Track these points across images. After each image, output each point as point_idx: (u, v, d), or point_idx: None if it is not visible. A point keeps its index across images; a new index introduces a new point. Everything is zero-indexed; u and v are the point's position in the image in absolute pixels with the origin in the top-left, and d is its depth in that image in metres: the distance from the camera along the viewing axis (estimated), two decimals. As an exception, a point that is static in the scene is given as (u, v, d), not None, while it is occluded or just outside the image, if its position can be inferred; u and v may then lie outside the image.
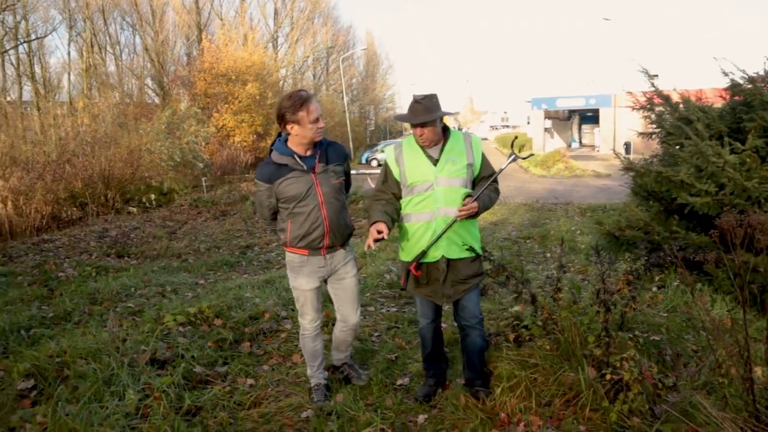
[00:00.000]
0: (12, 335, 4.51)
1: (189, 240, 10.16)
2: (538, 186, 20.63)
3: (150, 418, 2.97)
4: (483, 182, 3.02)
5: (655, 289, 4.97)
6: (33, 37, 29.92)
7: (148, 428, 2.87)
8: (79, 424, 2.77)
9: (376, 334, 4.44)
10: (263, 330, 4.49)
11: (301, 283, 3.17)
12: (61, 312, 5.21)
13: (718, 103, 6.05)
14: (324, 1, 43.33)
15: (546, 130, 37.86)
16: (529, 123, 43.53)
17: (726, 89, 5.92)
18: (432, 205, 2.96)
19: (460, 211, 2.89)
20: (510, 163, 3.14)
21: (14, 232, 11.83)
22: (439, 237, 2.93)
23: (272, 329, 4.53)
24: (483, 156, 3.08)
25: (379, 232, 2.86)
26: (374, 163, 33.45)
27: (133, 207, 15.74)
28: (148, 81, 35.15)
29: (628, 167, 5.70)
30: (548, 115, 37.98)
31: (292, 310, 4.97)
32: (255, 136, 27.77)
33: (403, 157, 3.03)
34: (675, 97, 6.31)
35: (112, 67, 35.20)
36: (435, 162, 2.97)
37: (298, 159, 3.00)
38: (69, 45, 35.02)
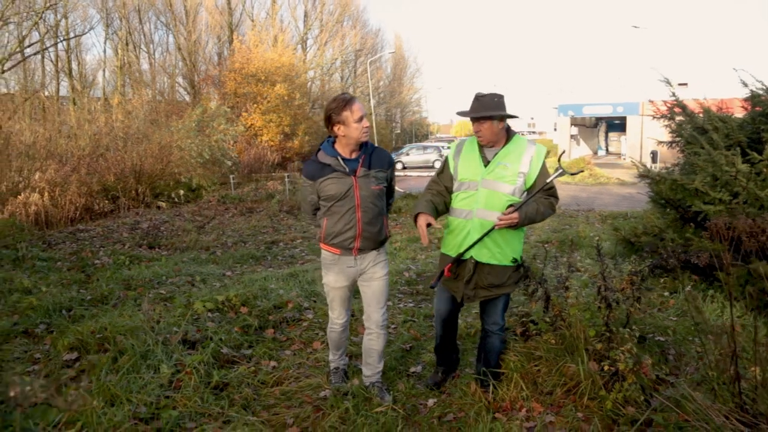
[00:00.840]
0: (54, 314, 4.86)
1: (217, 234, 10.51)
2: (561, 192, 20.24)
3: (182, 389, 3.26)
4: (538, 195, 2.99)
5: (666, 294, 5.10)
6: (72, 35, 30.96)
7: (180, 398, 3.15)
8: (120, 390, 3.06)
9: (393, 326, 4.66)
10: (286, 318, 4.75)
11: (330, 280, 3.27)
12: (98, 295, 5.55)
13: (742, 113, 6.13)
14: (353, 4, 43.84)
15: (572, 137, 37.60)
16: (555, 130, 43.30)
17: (746, 100, 6.02)
18: (473, 204, 2.98)
19: (499, 219, 2.89)
20: (556, 177, 3.05)
21: (49, 222, 12.30)
22: (478, 241, 2.94)
23: (295, 318, 4.78)
24: (542, 168, 3.00)
25: (428, 225, 2.93)
26: (399, 165, 33.61)
27: (162, 201, 16.18)
28: (180, 79, 36.02)
29: (644, 175, 5.83)
30: (575, 122, 37.73)
31: (314, 301, 5.23)
32: (282, 135, 28.24)
33: (462, 153, 3.09)
34: (695, 107, 6.41)
35: (145, 65, 36.22)
36: (486, 163, 2.99)
37: (341, 161, 3.09)
38: (105, 43, 36.15)
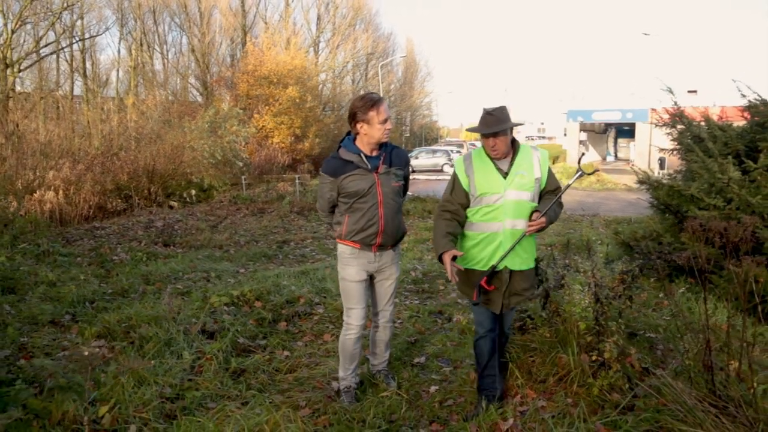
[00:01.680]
0: (78, 305, 5.15)
1: (229, 233, 10.81)
2: (568, 198, 20.60)
3: (203, 374, 3.55)
4: (547, 196, 3.08)
5: (661, 295, 5.32)
6: (87, 35, 31.50)
7: (201, 381, 3.44)
8: (147, 373, 3.34)
9: (399, 321, 4.92)
10: (298, 312, 5.02)
11: (350, 273, 3.28)
12: (118, 289, 5.85)
13: (742, 122, 6.34)
14: (366, 8, 44.16)
15: (581, 142, 37.68)
16: (565, 135, 43.40)
17: (744, 109, 6.24)
18: (501, 216, 2.99)
19: (529, 225, 2.95)
20: (576, 179, 3.16)
21: (64, 220, 12.63)
22: (510, 250, 2.97)
23: (306, 312, 5.06)
24: (549, 170, 3.11)
25: (453, 258, 2.90)
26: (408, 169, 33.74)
27: (174, 201, 16.50)
28: (192, 80, 36.47)
29: (643, 180, 6.04)
30: (584, 128, 37.81)
31: (324, 297, 5.50)
32: (293, 137, 28.55)
33: (473, 167, 3.05)
34: (697, 116, 6.62)
35: (158, 66, 36.70)
36: (505, 174, 3.01)
37: (363, 158, 3.14)
38: (119, 43, 36.70)
